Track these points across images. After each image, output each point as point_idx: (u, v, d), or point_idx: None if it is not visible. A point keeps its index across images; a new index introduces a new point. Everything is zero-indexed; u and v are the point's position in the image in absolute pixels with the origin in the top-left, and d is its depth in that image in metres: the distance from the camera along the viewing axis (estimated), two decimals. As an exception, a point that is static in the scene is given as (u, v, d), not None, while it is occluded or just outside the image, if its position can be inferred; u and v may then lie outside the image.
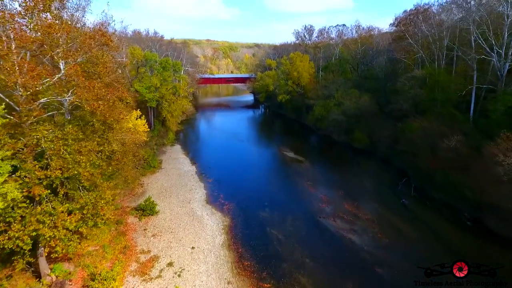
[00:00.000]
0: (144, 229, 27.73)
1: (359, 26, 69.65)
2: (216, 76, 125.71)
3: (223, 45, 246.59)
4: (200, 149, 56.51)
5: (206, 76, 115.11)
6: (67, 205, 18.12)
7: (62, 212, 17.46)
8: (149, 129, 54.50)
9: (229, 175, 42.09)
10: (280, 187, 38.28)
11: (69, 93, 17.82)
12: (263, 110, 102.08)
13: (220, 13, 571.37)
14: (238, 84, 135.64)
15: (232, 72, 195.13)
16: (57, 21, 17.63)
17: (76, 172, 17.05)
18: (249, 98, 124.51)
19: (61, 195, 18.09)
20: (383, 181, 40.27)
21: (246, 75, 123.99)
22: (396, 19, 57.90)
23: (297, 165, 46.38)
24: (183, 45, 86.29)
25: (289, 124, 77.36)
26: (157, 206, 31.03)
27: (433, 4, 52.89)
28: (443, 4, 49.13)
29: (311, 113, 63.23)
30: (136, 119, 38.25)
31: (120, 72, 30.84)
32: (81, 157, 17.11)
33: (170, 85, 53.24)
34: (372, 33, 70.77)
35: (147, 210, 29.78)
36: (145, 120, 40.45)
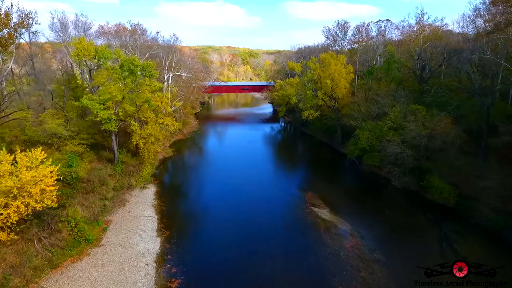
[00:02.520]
0: None
1: (422, 15, 48.39)
2: (229, 84, 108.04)
3: (244, 52, 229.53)
4: (183, 196, 37.49)
5: (217, 84, 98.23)
6: None
7: None
8: (111, 164, 37.47)
9: (215, 267, 22.99)
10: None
11: None
12: (283, 125, 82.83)
13: (242, 22, 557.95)
14: (255, 93, 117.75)
15: (251, 79, 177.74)
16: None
17: None
18: (268, 109, 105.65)
19: None
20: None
21: (264, 83, 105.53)
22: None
23: (338, 238, 26.67)
24: (177, 47, 67.01)
25: (318, 150, 57.42)
26: None
27: None
28: None
29: (353, 140, 43.09)
30: (36, 165, 20.29)
31: None
32: None
33: (143, 98, 35.40)
34: (438, 24, 49.78)
35: None
36: (58, 165, 22.43)
